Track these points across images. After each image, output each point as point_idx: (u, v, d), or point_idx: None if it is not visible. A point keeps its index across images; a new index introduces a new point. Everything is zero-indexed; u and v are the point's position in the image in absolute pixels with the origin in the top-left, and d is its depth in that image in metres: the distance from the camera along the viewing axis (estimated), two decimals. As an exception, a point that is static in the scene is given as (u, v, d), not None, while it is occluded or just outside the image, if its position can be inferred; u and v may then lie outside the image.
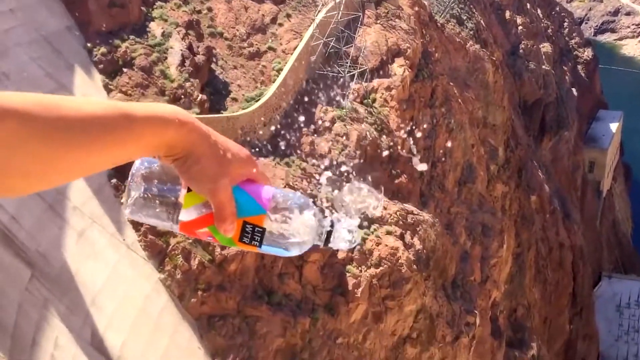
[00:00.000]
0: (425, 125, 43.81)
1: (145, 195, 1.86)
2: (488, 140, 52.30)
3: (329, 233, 1.94)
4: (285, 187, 32.92)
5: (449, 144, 44.09)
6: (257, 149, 34.80)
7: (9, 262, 24.91)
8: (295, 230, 1.90)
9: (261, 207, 1.86)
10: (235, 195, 1.83)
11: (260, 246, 1.89)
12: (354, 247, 1.99)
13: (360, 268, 33.04)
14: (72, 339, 24.89)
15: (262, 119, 36.06)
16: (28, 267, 25.40)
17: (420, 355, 35.12)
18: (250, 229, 1.85)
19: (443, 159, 44.39)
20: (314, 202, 1.99)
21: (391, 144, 39.78)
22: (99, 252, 28.09)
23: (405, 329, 34.65)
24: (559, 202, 64.53)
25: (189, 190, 1.84)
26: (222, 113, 35.10)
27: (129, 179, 1.88)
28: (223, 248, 29.90)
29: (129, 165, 1.89)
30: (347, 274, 32.58)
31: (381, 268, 33.61)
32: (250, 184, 1.88)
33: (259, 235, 1.86)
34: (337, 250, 32.88)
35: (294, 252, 1.95)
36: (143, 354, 26.71)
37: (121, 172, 27.70)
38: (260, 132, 35.79)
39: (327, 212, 1.96)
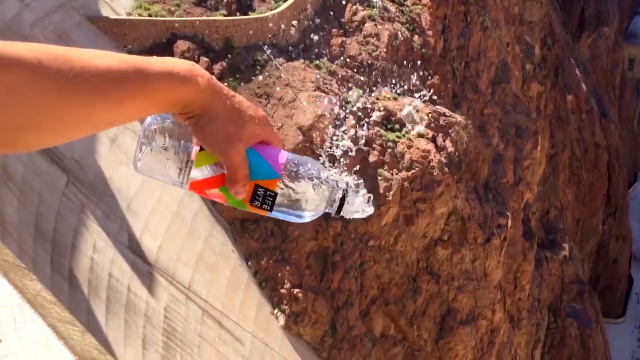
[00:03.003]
0: (458, 24, 42.46)
1: (157, 151, 1.80)
2: (524, 38, 50.69)
3: (342, 202, 1.87)
4: (315, 90, 32.48)
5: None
6: (287, 51, 34.18)
7: (46, 168, 25.33)
8: (307, 197, 1.84)
9: (274, 171, 1.80)
10: (249, 157, 1.78)
11: (271, 210, 1.84)
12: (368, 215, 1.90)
13: (391, 171, 32.97)
14: (109, 242, 25.57)
15: (291, 19, 35.20)
16: (64, 173, 25.83)
17: (452, 257, 35.49)
18: (262, 192, 1.81)
19: (477, 58, 43.25)
20: (325, 165, 1.89)
21: (423, 43, 38.74)
22: (132, 157, 28.31)
23: (437, 231, 34.88)
24: (596, 101, 63.03)
25: (201, 149, 1.79)
26: (249, 14, 34.33)
27: (140, 133, 1.82)
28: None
29: None
30: (379, 178, 32.57)
31: (412, 171, 33.49)
32: (264, 147, 1.82)
33: (271, 199, 1.82)
34: (369, 155, 32.79)
35: (305, 219, 1.90)
36: (179, 258, 27.40)
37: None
38: (290, 33, 35.04)
39: (340, 180, 1.84)
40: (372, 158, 32.69)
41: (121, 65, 1.58)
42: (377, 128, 33.68)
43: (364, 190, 1.91)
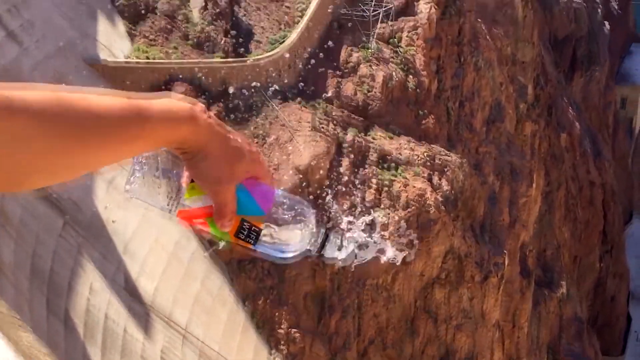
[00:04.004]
0: (452, 64, 43.05)
1: (148, 178, 1.86)
2: (517, 78, 51.31)
3: (323, 242, 1.94)
4: (312, 130, 32.75)
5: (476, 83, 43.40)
6: (283, 92, 34.56)
7: (43, 211, 25.37)
8: (290, 236, 1.91)
9: (261, 210, 1.87)
10: (238, 194, 1.83)
11: (254, 245, 1.90)
12: (353, 262, 1.96)
13: (388, 210, 33.06)
14: (106, 284, 25.48)
15: (287, 62, 35.68)
16: (61, 215, 25.86)
17: (449, 296, 35.39)
18: (247, 227, 1.87)
19: (471, 98, 43.73)
20: (311, 206, 1.95)
21: (418, 84, 39.22)
22: (129, 199, 28.38)
23: (434, 270, 34.84)
24: (590, 140, 63.52)
25: (192, 180, 1.85)
26: (246, 57, 34.79)
27: (134, 158, 1.86)
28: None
29: None
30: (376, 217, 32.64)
31: (409, 210, 33.60)
32: (255, 184, 1.87)
33: (255, 234, 1.88)
34: (365, 194, 32.94)
35: (287, 256, 1.94)
36: (175, 299, 27.29)
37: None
38: (286, 75, 35.48)
39: (323, 220, 1.93)
40: (369, 197, 32.82)
41: (123, 107, 1.63)
42: (373, 167, 33.89)
43: (352, 233, 1.95)
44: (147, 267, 27.08)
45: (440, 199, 34.87)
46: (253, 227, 1.86)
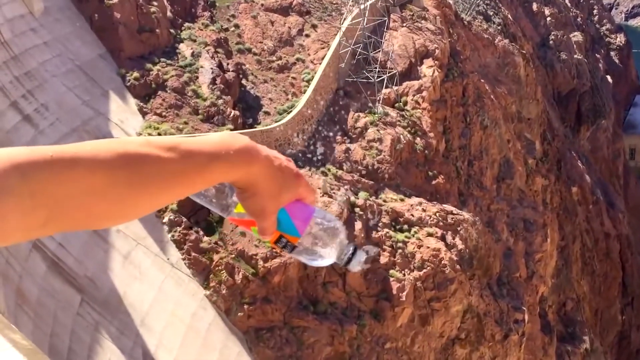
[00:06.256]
0: (458, 124, 43.62)
1: (204, 197, 2.14)
2: (524, 135, 51.79)
3: (350, 257, 2.21)
4: (323, 195, 33.04)
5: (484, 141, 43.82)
6: (293, 159, 35.00)
7: (60, 289, 25.54)
8: (322, 250, 2.19)
9: (297, 231, 2.13)
10: (279, 215, 2.09)
11: (290, 253, 2.20)
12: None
13: (403, 272, 33.00)
14: (124, 359, 25.38)
15: (296, 130, 36.33)
16: (78, 292, 26.00)
17: (471, 356, 34.87)
18: (285, 241, 2.15)
19: (479, 156, 44.11)
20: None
21: (426, 145, 39.68)
22: (145, 272, 28.60)
23: (453, 329, 34.45)
24: (602, 191, 63.44)
25: None
26: (255, 127, 35.47)
27: None
28: (266, 260, 30.16)
29: None
30: (391, 279, 32.56)
31: (424, 270, 33.52)
32: (295, 206, 2.12)
33: (291, 247, 2.16)
34: (380, 257, 32.93)
35: (317, 264, 2.23)
36: (194, 371, 27.08)
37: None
38: (295, 143, 36.06)
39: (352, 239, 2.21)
40: (383, 259, 32.82)
41: (185, 160, 1.86)
42: (386, 229, 34.00)
43: (369, 248, 2.26)
44: (164, 339, 27.01)
45: (455, 257, 34.80)
46: (289, 242, 2.13)
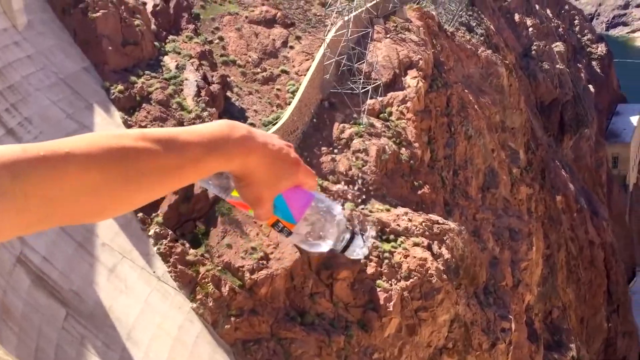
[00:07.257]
0: (443, 134, 43.85)
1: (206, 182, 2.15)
2: (508, 144, 52.14)
3: (348, 243, 2.19)
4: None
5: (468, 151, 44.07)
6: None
7: (44, 303, 25.33)
8: (319, 236, 2.16)
9: (294, 219, 2.12)
10: (275, 201, 2.08)
11: (287, 237, 2.18)
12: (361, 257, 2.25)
13: (390, 282, 33.03)
14: (110, 374, 25.17)
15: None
16: (63, 306, 25.79)
17: (458, 365, 34.90)
18: (281, 226, 2.14)
19: (464, 166, 44.35)
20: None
21: (411, 155, 39.85)
22: (131, 286, 28.44)
23: (441, 339, 34.49)
24: (586, 200, 63.95)
25: None
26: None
27: None
28: (252, 272, 30.08)
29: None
30: (378, 289, 32.58)
31: (411, 280, 33.57)
32: (292, 192, 2.10)
33: (287, 232, 2.15)
34: (366, 267, 32.97)
35: (314, 250, 2.21)
36: (182, 384, 26.90)
37: (147, 206, 28.06)
38: (280, 155, 36.01)
39: (349, 223, 2.19)
40: (370, 270, 32.84)
41: (181, 154, 1.86)
42: (372, 240, 33.99)
43: (369, 234, 2.24)
44: (151, 353, 26.82)
45: (442, 267, 34.90)
46: (285, 227, 2.12)
